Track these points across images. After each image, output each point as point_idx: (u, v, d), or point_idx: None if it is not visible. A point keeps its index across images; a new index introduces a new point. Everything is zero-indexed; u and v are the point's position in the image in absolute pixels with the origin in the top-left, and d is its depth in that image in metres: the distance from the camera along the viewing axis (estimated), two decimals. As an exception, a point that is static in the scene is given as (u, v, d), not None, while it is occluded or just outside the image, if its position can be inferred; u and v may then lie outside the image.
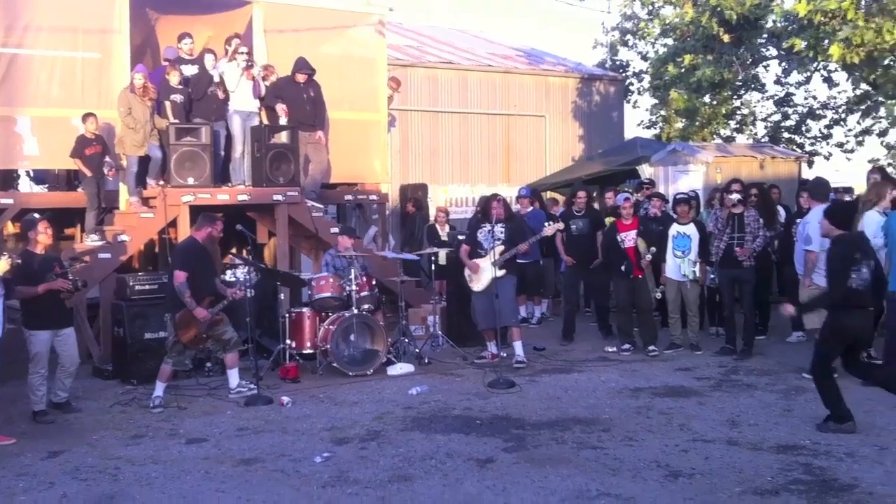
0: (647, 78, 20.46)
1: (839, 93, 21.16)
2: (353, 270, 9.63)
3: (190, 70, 11.29)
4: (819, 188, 9.59)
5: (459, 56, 20.13)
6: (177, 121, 10.90)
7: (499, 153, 19.53)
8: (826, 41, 14.43)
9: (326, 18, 12.80)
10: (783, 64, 19.72)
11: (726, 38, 17.26)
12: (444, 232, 13.27)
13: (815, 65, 18.83)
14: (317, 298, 9.67)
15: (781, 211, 11.35)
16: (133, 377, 9.09)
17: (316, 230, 11.25)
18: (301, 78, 11.73)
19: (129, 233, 10.53)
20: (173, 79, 11.04)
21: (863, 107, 15.38)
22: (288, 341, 9.48)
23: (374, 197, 13.29)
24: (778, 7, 16.29)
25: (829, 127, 22.22)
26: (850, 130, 22.27)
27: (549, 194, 16.90)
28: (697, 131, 20.65)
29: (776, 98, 22.34)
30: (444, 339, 10.60)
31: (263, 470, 6.31)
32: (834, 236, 7.04)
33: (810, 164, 20.04)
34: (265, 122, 11.83)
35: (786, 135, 21.94)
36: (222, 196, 10.99)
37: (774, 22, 16.94)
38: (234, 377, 8.60)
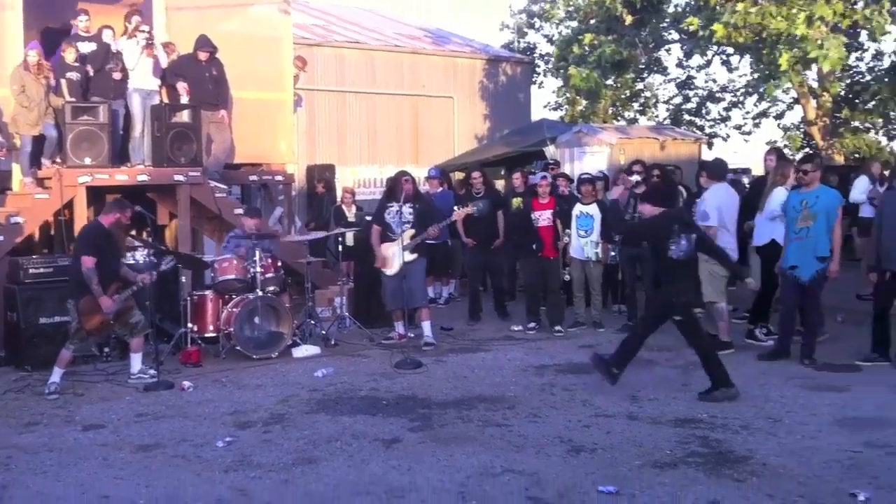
0: (552, 60, 20.65)
1: (740, 76, 21.79)
2: (257, 252, 9.48)
3: (87, 47, 10.92)
4: (717, 168, 9.85)
5: (366, 36, 19.97)
6: (73, 99, 10.55)
7: (407, 134, 19.47)
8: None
9: (230, -5, 12.54)
10: (684, 47, 20.17)
11: (629, 19, 17.53)
12: (350, 213, 13.18)
13: (715, 48, 19.29)
14: (220, 281, 9.48)
15: (683, 191, 11.60)
16: (27, 363, 8.79)
17: (219, 211, 11.03)
18: (203, 56, 11.47)
19: (24, 214, 10.15)
20: (69, 56, 10.68)
21: (760, 90, 15.85)
22: (189, 325, 9.28)
23: (279, 178, 13.09)
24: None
25: (727, 109, 22.85)
26: (747, 113, 22.96)
27: (457, 175, 16.94)
28: (601, 113, 20.97)
29: (678, 81, 22.87)
30: (351, 321, 10.54)
31: (163, 456, 6.17)
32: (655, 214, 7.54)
33: (710, 145, 20.62)
34: (166, 100, 11.53)
35: (686, 117, 22.48)
36: (121, 176, 10.68)
37: (676, 7, 17.32)
38: (136, 362, 8.39)
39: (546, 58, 22.77)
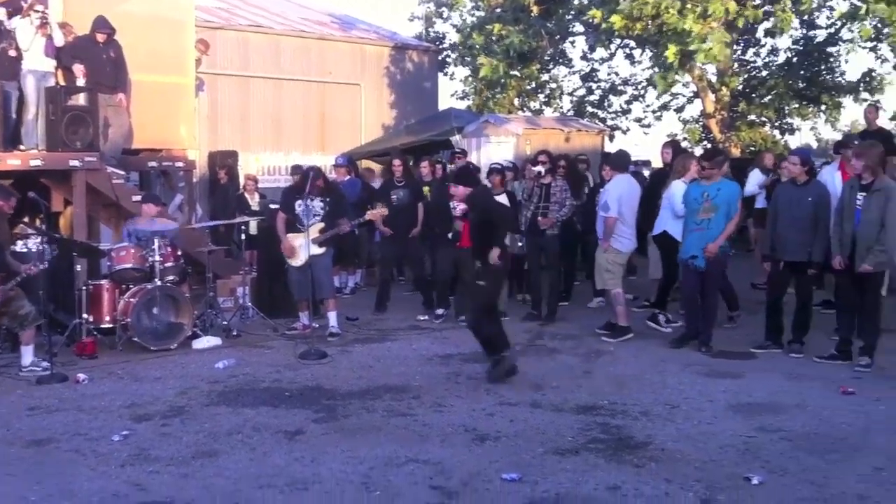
0: (458, 47, 20.69)
1: (642, 70, 22.18)
2: (156, 240, 9.22)
3: (-24, 27, 10.43)
4: (620, 160, 10.02)
5: (272, 20, 19.61)
6: (-38, 79, 10.08)
7: (313, 121, 19.22)
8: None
9: (129, -24, 12.13)
10: (588, 40, 20.44)
11: (536, 9, 17.66)
12: (254, 201, 12.95)
13: (618, 41, 19.62)
14: (117, 270, 9.19)
15: (589, 181, 11.80)
16: None
17: (117, 198, 10.69)
18: (101, 37, 11.06)
19: None
20: (-43, 36, 10.18)
21: (657, 87, 16.18)
22: (85, 315, 8.96)
23: (180, 164, 12.74)
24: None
25: (629, 102, 23.27)
26: (647, 106, 23.43)
27: (364, 163, 16.83)
28: (506, 103, 21.10)
29: (582, 73, 23.17)
30: (254, 311, 10.35)
31: (57, 451, 5.96)
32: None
33: (612, 137, 20.96)
34: (62, 82, 11.11)
35: (590, 109, 22.78)
36: (13, 161, 10.22)
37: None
38: (27, 354, 8.07)
39: (456, 47, 22.79)
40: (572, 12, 18.49)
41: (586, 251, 11.81)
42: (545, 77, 22.15)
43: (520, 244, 10.32)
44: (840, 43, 18.97)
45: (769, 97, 21.20)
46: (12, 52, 10.45)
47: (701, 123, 22.24)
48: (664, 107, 22.90)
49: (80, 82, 10.98)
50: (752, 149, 20.92)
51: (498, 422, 6.47)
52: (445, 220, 10.08)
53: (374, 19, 30.56)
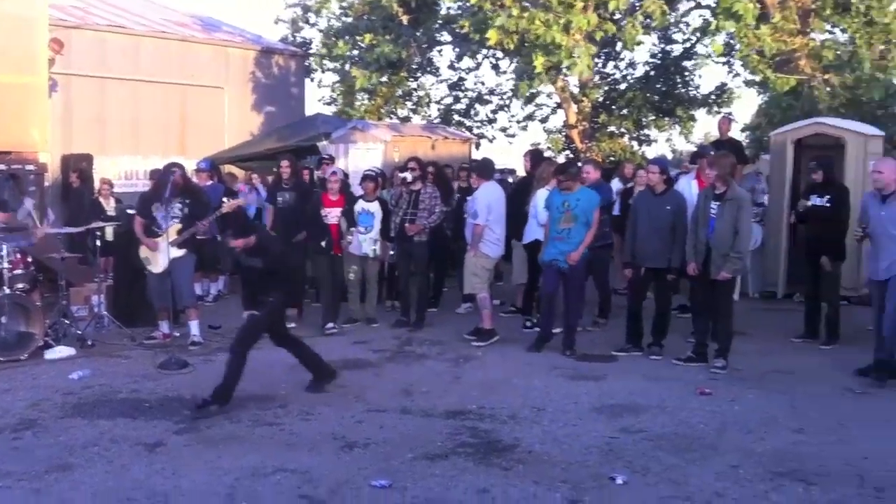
0: (320, 49, 20.48)
1: (507, 80, 22.52)
2: (3, 246, 8.72)
3: None
4: (485, 168, 10.16)
5: (131, 20, 18.94)
6: None
7: (174, 124, 18.64)
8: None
9: (-26, -31, 11.47)
10: (456, 49, 20.64)
11: (405, 18, 17.73)
12: (109, 205, 12.44)
13: (484, 51, 19.88)
14: (-39, 277, 8.67)
15: (455, 189, 11.89)
16: None
17: (-40, 202, 10.07)
18: (-57, 32, 10.44)
19: None
20: None
21: (521, 92, 16.51)
22: (-72, 325, 8.42)
23: (30, 167, 12.11)
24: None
25: (494, 112, 23.60)
26: (513, 116, 23.82)
27: (227, 168, 16.44)
28: (375, 110, 21.06)
29: (449, 82, 23.36)
30: (110, 320, 9.93)
31: None
32: None
33: (478, 146, 21.21)
34: None
35: (456, 117, 22.98)
36: None
37: (448, 9, 17.68)
38: None
39: (321, 52, 22.58)
40: (439, 21, 18.65)
41: (455, 257, 11.88)
42: (413, 85, 22.21)
43: (391, 252, 10.32)
44: (695, 57, 19.83)
45: (628, 109, 21.95)
46: None
47: (564, 134, 22.77)
48: (529, 117, 23.34)
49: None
50: (612, 159, 21.56)
51: (367, 428, 6.41)
52: (320, 227, 9.98)
53: (238, 21, 29.98)
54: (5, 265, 8.69)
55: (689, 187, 10.19)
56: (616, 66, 22.43)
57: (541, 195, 9.54)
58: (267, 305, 7.19)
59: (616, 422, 6.54)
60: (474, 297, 9.67)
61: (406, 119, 22.39)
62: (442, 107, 23.30)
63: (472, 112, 23.36)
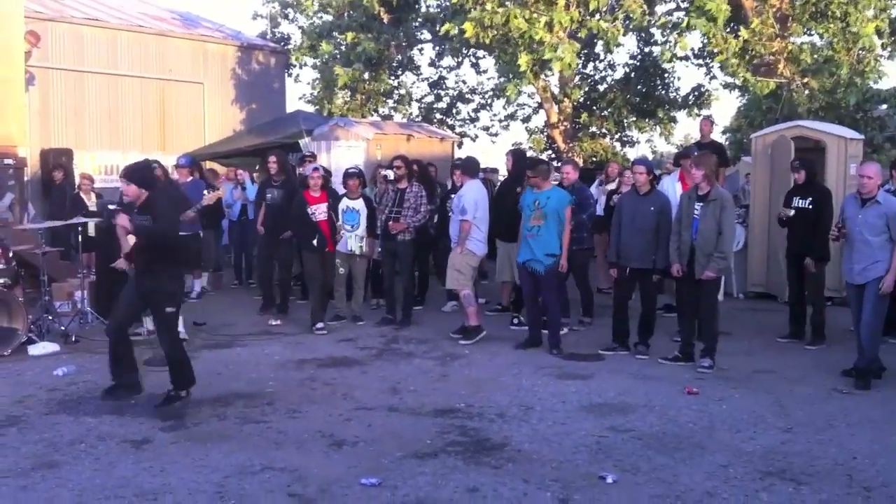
0: (301, 49, 20.42)
1: (488, 79, 22.60)
2: (-15, 240, 8.64)
3: None
4: (470, 166, 10.16)
5: (108, 14, 18.77)
6: None
7: (153, 119, 18.51)
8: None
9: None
10: (437, 48, 20.64)
11: (386, 17, 17.71)
12: (90, 200, 12.32)
13: (465, 51, 19.89)
14: (-59, 272, 8.57)
15: (438, 188, 11.87)
16: None
17: (-61, 196, 9.96)
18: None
19: None
20: None
21: (508, 94, 16.54)
22: None
23: (9, 161, 12.01)
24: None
25: (476, 111, 23.65)
26: (494, 115, 23.88)
27: (208, 164, 16.34)
28: (357, 108, 21.02)
29: (430, 80, 23.36)
30: (93, 316, 9.84)
31: None
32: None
33: (460, 144, 21.22)
34: None
35: (438, 116, 23.01)
36: None
37: (428, 7, 17.67)
38: None
39: (301, 49, 22.50)
40: (419, 20, 18.64)
41: (437, 255, 11.88)
42: (394, 83, 22.20)
43: (379, 249, 10.31)
44: (674, 59, 19.92)
45: (609, 110, 22.05)
46: None
47: (545, 133, 22.84)
48: (511, 116, 23.40)
49: None
50: (594, 159, 21.67)
51: (355, 427, 6.39)
52: (308, 224, 9.88)
53: (216, 17, 29.80)
54: (-13, 260, 8.60)
55: (672, 188, 10.26)
56: (595, 67, 22.55)
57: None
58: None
59: (605, 420, 6.55)
60: (458, 293, 9.66)
61: (388, 117, 22.37)
62: (423, 105, 23.32)
63: (454, 111, 23.39)
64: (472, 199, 9.40)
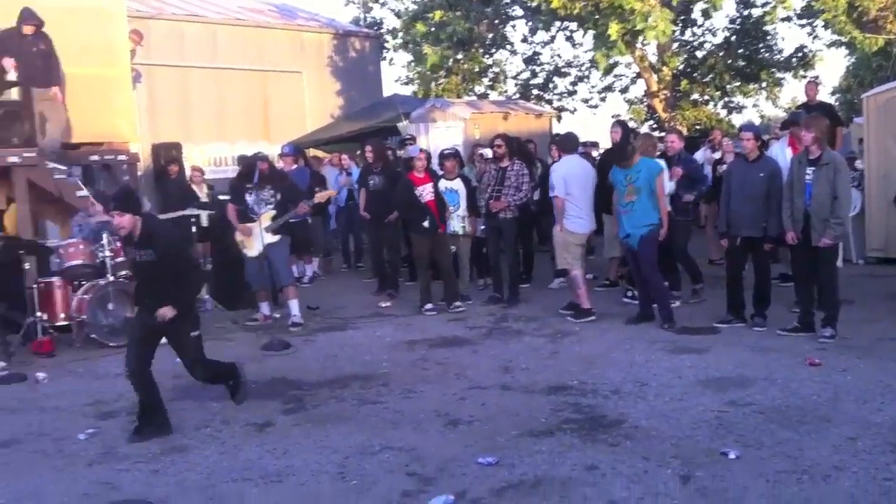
0: (399, 35, 20.53)
1: (585, 52, 22.29)
2: (104, 235, 8.97)
3: None
4: (568, 141, 10.03)
5: (207, 9, 19.23)
6: None
7: (256, 110, 18.92)
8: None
9: (52, -35, 11.68)
10: (529, 23, 20.45)
11: (474, -5, 17.67)
12: (202, 192, 12.70)
13: (558, 24, 19.64)
14: (67, 267, 8.95)
15: (538, 165, 11.79)
16: None
17: (59, 193, 10.38)
18: (28, 30, 10.64)
19: None
20: None
21: (605, 65, 16.28)
22: (38, 314, 8.70)
23: (122, 157, 12.40)
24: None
25: (574, 84, 23.35)
26: (593, 87, 23.53)
27: (311, 151, 16.62)
28: (453, 88, 21.03)
29: (524, 56, 23.18)
30: (211, 304, 10.16)
31: (22, 452, 5.80)
32: None
33: (559, 119, 21.01)
34: (-8, 79, 10.70)
35: (535, 92, 22.82)
36: (-51, 159, 9.87)
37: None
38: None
39: (395, 32, 22.61)
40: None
41: (541, 232, 11.81)
42: (489, 61, 22.11)
43: (482, 227, 10.32)
44: (776, 21, 19.28)
45: (710, 76, 21.45)
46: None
47: (645, 104, 22.41)
48: (608, 88, 23.03)
49: (12, 77, 10.59)
50: (698, 127, 21.15)
51: (469, 406, 6.41)
52: (415, 206, 9.97)
53: (308, 4, 30.16)
54: (107, 253, 8.94)
55: (781, 153, 9.92)
56: (693, 33, 21.98)
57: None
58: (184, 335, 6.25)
59: (723, 395, 6.39)
60: (567, 271, 9.58)
61: (484, 96, 22.31)
62: (519, 82, 23.16)
63: (551, 85, 23.16)
64: (560, 175, 9.26)
